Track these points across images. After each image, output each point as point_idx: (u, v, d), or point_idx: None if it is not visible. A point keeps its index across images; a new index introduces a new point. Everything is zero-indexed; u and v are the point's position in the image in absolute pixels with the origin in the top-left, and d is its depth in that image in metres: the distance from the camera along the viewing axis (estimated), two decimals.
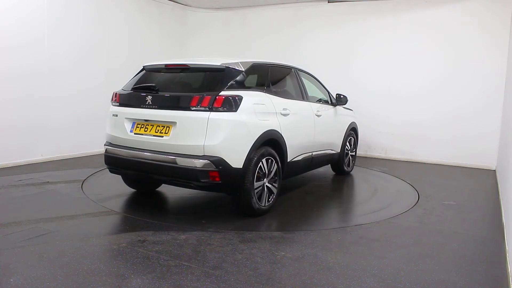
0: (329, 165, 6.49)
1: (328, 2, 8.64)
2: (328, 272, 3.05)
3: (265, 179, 4.30)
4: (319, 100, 5.81)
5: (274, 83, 4.92)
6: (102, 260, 3.14)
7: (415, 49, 7.94)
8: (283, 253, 3.37)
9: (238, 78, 4.20)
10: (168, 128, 4.03)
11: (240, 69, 4.28)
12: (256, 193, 4.18)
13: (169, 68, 4.48)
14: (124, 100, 4.44)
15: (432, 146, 7.91)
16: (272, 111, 4.43)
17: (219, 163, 3.83)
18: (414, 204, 5.04)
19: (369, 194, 5.67)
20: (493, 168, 7.37)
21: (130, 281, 2.79)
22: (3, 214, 4.15)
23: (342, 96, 5.99)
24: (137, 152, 4.18)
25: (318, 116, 5.39)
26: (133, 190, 5.25)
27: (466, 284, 2.94)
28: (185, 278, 2.86)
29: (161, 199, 5.12)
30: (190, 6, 9.56)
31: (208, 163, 3.81)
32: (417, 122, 7.98)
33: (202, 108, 3.87)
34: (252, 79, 4.54)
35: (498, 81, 7.27)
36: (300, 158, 5.02)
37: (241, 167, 3.97)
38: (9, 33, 6.11)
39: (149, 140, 4.11)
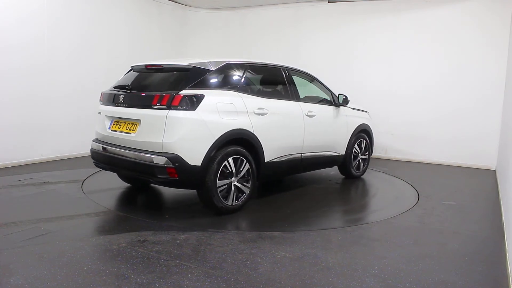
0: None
1: (328, 2, 8.64)
2: (328, 272, 3.05)
3: (233, 178, 4.31)
4: (322, 101, 5.71)
5: (252, 82, 4.89)
6: (102, 260, 3.15)
7: (415, 49, 7.93)
8: (283, 253, 3.36)
9: (205, 77, 4.28)
10: (135, 125, 4.22)
11: (209, 68, 4.35)
12: (220, 191, 4.20)
13: (148, 68, 4.62)
14: (105, 99, 4.72)
15: (432, 146, 7.91)
16: (243, 110, 4.41)
17: (176, 160, 3.92)
18: (414, 204, 5.04)
19: (369, 194, 5.67)
20: (493, 168, 7.37)
21: (130, 281, 2.79)
22: (3, 214, 4.14)
23: (344, 97, 5.86)
24: (110, 147, 4.44)
25: (310, 116, 5.26)
26: (133, 191, 5.28)
27: (466, 284, 2.94)
28: (185, 278, 2.86)
29: (161, 199, 5.12)
30: (190, 6, 9.56)
31: (165, 160, 3.92)
32: (417, 122, 7.98)
33: (162, 107, 4.00)
34: (224, 78, 4.53)
35: (498, 81, 7.27)
36: (283, 159, 4.93)
37: (200, 164, 4.02)
38: (9, 33, 6.11)
39: (120, 137, 4.35)
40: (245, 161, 4.39)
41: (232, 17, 9.64)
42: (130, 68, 4.89)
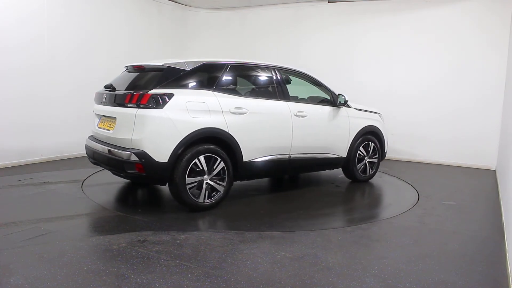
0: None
1: (328, 2, 8.64)
2: (328, 272, 3.05)
3: (205, 176, 4.34)
4: (322, 101, 5.58)
5: (232, 82, 4.87)
6: (102, 260, 3.15)
7: (415, 49, 7.94)
8: (283, 253, 3.36)
9: (178, 77, 4.40)
10: (113, 122, 4.44)
11: (184, 68, 4.47)
12: (190, 188, 4.26)
13: (135, 68, 4.79)
14: (96, 97, 4.98)
15: (432, 146, 7.91)
16: (217, 109, 4.43)
17: (142, 156, 4.08)
18: (414, 204, 5.04)
19: (369, 194, 5.66)
20: (493, 168, 7.37)
21: (130, 281, 2.79)
22: (3, 214, 4.15)
23: (343, 97, 5.61)
24: (94, 143, 4.68)
25: (301, 116, 5.13)
26: (133, 190, 5.30)
27: (466, 284, 2.94)
28: (185, 278, 2.86)
29: (161, 199, 5.12)
30: (190, 6, 9.56)
31: (132, 155, 4.10)
32: (417, 122, 7.98)
33: (133, 105, 4.20)
34: (200, 78, 4.61)
35: (498, 81, 7.27)
36: (266, 159, 4.87)
37: (166, 161, 4.13)
38: (9, 33, 6.10)
39: (103, 133, 4.59)
40: (219, 159, 4.41)
41: (232, 17, 9.64)
42: (125, 68, 5.02)
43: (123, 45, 8.01)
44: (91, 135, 4.97)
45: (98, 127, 4.72)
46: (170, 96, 4.20)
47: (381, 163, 6.35)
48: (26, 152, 6.46)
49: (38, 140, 6.64)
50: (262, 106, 4.87)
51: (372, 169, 6.14)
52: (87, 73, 7.29)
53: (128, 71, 4.87)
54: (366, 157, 6.00)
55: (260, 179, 5.95)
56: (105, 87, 4.79)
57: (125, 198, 5.07)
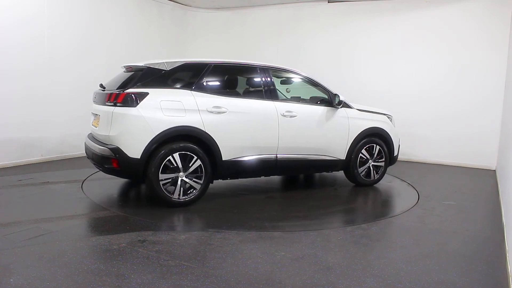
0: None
1: (328, 2, 8.65)
2: (328, 272, 3.05)
3: (180, 173, 4.43)
4: (321, 101, 5.45)
5: (213, 81, 4.89)
6: (102, 260, 3.14)
7: (415, 49, 7.94)
8: (283, 253, 3.36)
9: (156, 77, 4.55)
10: (99, 120, 4.67)
11: (163, 68, 4.61)
12: (164, 184, 4.38)
13: (127, 69, 4.93)
14: (92, 97, 5.14)
15: (432, 146, 7.91)
16: (193, 108, 4.50)
17: (116, 152, 4.30)
18: (414, 204, 5.04)
19: (369, 194, 5.65)
20: (493, 168, 7.37)
21: (130, 281, 2.79)
22: (3, 214, 4.15)
23: (338, 97, 5.39)
24: (88, 140, 4.92)
25: (289, 116, 5.03)
26: (133, 191, 5.30)
27: (466, 284, 2.94)
28: (185, 278, 2.86)
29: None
30: (190, 6, 9.57)
31: (107, 151, 4.34)
32: (417, 122, 7.98)
33: (110, 103, 4.43)
34: (178, 78, 4.75)
35: (498, 81, 7.27)
36: (249, 159, 4.85)
37: (139, 157, 4.29)
38: (9, 33, 6.10)
39: (93, 130, 4.87)
40: (195, 157, 4.47)
41: (232, 17, 9.64)
42: (122, 68, 5.13)
43: (123, 45, 8.01)
44: (90, 133, 5.15)
45: (92, 125, 4.96)
46: (144, 95, 4.35)
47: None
48: (26, 152, 6.46)
49: (38, 139, 6.64)
50: (243, 105, 4.85)
51: (377, 173, 5.83)
52: (87, 73, 7.29)
53: (124, 71, 4.99)
54: (369, 160, 5.73)
55: (266, 179, 5.99)
56: (100, 86, 4.96)
57: (125, 198, 5.07)
